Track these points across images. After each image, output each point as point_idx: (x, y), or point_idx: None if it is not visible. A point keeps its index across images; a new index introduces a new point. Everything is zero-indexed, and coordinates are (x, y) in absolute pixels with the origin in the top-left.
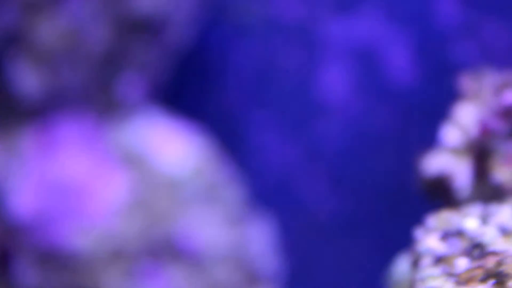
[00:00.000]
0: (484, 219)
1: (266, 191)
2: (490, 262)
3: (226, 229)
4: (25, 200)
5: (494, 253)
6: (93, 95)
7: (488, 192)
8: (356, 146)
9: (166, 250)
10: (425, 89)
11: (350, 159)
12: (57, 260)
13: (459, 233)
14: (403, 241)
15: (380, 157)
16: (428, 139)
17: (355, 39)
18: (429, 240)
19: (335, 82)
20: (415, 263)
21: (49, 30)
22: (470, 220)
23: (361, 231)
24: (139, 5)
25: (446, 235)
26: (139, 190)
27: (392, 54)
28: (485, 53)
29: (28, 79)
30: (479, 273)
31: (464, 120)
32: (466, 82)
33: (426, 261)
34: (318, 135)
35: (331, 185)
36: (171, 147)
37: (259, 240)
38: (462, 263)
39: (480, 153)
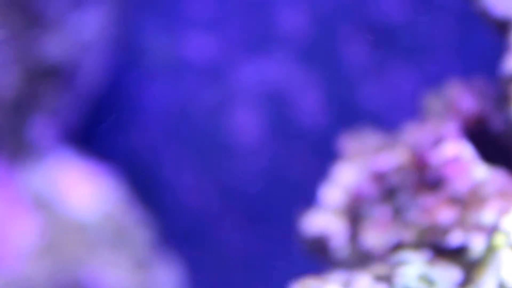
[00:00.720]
0: (346, 286)
1: (180, 231)
2: None
3: (133, 272)
4: None
5: None
6: (4, 139)
7: (358, 255)
8: (269, 187)
9: None
10: (335, 131)
11: (263, 199)
12: None
13: None
14: None
15: (292, 198)
16: None
17: (266, 81)
18: None
19: (247, 123)
20: None
21: None
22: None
23: (277, 271)
24: (49, 51)
25: None
26: (48, 234)
27: (303, 97)
28: (392, 95)
29: None
30: None
31: (344, 180)
32: (348, 141)
33: None
34: (231, 175)
35: (244, 224)
36: (81, 190)
37: (167, 283)
38: None
39: (353, 216)
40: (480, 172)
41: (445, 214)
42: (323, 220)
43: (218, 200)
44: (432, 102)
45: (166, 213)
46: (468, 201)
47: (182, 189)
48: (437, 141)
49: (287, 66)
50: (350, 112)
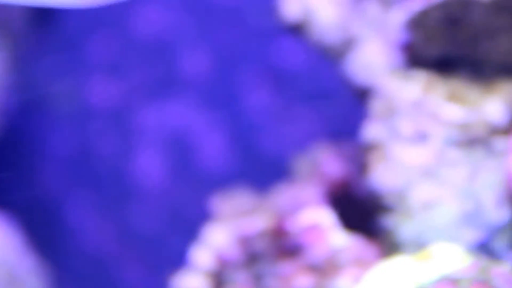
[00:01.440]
0: None
1: (79, 275)
2: None
3: None
4: None
5: None
6: None
7: None
8: (168, 229)
9: None
10: (238, 174)
11: (162, 242)
12: None
13: None
14: None
15: (192, 241)
16: None
17: (169, 125)
18: None
19: (149, 167)
20: None
21: None
22: None
23: None
24: None
25: None
26: None
27: (205, 140)
28: (295, 139)
29: None
30: None
31: (213, 242)
32: (220, 203)
33: None
34: (132, 219)
35: (142, 267)
36: None
37: None
38: None
39: (218, 280)
40: (338, 239)
41: (301, 282)
42: (191, 283)
43: (117, 243)
44: (301, 164)
45: (66, 258)
46: (324, 269)
47: (83, 234)
48: (298, 207)
49: (189, 110)
50: (253, 156)
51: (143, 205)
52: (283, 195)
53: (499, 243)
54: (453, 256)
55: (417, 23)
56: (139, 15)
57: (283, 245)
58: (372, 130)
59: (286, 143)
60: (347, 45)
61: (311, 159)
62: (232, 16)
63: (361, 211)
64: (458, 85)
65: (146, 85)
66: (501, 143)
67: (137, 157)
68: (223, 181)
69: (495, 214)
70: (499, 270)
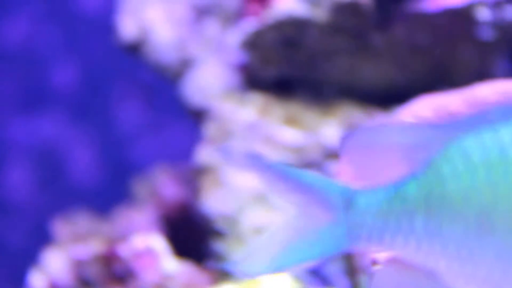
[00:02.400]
0: None
1: None
2: None
3: None
4: None
5: None
6: None
7: None
8: (36, 243)
9: None
10: (108, 188)
11: (30, 255)
12: None
13: None
14: None
15: None
16: None
17: (38, 139)
18: None
19: (18, 180)
20: None
21: None
22: None
23: None
24: None
25: None
26: None
27: (74, 154)
28: (167, 152)
29: None
30: None
31: (49, 267)
32: (59, 226)
33: None
34: (0, 231)
35: (7, 282)
36: None
37: None
38: None
39: None
40: (169, 265)
41: None
42: None
43: None
44: (139, 188)
45: None
46: None
47: None
48: (132, 231)
49: (59, 123)
50: (124, 169)
51: (11, 219)
52: (120, 218)
53: (332, 269)
54: (280, 284)
55: (253, 44)
56: (6, 27)
57: (115, 271)
58: (205, 154)
59: (156, 156)
60: (184, 65)
61: (150, 181)
62: (101, 27)
63: (196, 236)
64: (295, 107)
65: (15, 99)
66: (335, 166)
67: (6, 171)
68: (92, 194)
69: None
70: None
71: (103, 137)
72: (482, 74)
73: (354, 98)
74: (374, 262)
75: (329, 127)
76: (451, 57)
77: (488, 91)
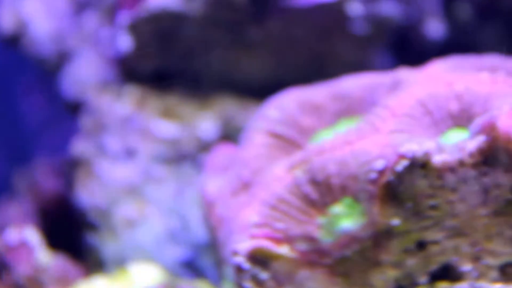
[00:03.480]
0: None
1: None
2: None
3: None
4: None
5: None
6: None
7: None
8: None
9: None
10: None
11: None
12: None
13: None
14: None
15: None
16: None
17: None
18: None
19: None
20: None
21: None
22: None
23: None
24: None
25: None
26: None
27: None
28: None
29: None
30: None
31: None
32: None
33: None
34: None
35: None
36: None
37: None
38: None
39: None
40: (42, 258)
41: None
42: None
43: None
44: (19, 181)
45: None
46: (29, 287)
47: None
48: (9, 225)
49: None
50: (25, 164)
51: None
52: None
53: (205, 261)
54: (148, 276)
55: (129, 36)
56: None
57: None
58: (79, 146)
59: (58, 150)
60: (62, 58)
61: (30, 174)
62: None
63: (71, 228)
64: (173, 100)
65: None
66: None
67: None
68: None
69: (201, 232)
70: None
71: (7, 130)
72: (358, 67)
73: (232, 91)
74: (236, 253)
75: (205, 120)
76: (327, 51)
77: (353, 84)
